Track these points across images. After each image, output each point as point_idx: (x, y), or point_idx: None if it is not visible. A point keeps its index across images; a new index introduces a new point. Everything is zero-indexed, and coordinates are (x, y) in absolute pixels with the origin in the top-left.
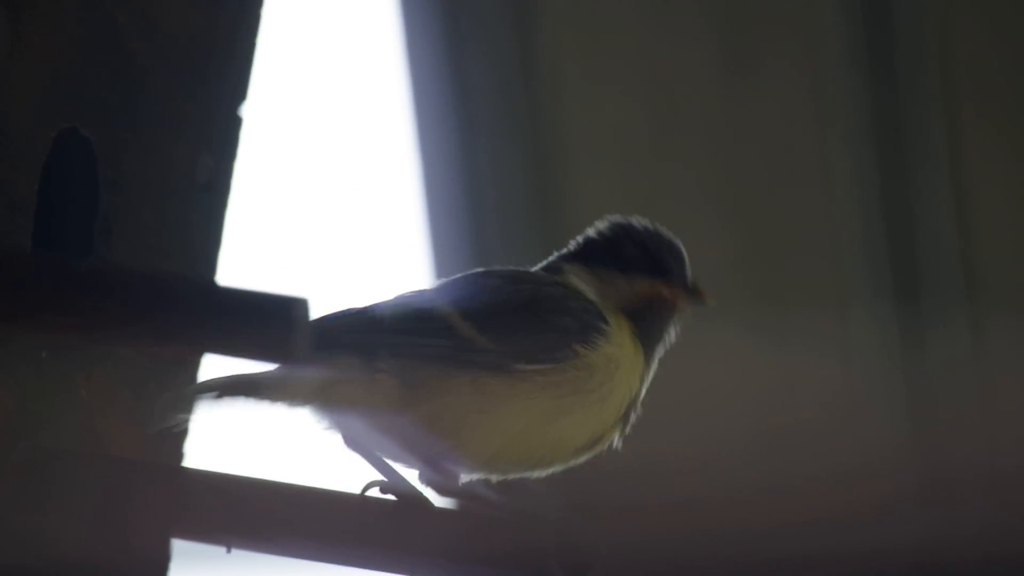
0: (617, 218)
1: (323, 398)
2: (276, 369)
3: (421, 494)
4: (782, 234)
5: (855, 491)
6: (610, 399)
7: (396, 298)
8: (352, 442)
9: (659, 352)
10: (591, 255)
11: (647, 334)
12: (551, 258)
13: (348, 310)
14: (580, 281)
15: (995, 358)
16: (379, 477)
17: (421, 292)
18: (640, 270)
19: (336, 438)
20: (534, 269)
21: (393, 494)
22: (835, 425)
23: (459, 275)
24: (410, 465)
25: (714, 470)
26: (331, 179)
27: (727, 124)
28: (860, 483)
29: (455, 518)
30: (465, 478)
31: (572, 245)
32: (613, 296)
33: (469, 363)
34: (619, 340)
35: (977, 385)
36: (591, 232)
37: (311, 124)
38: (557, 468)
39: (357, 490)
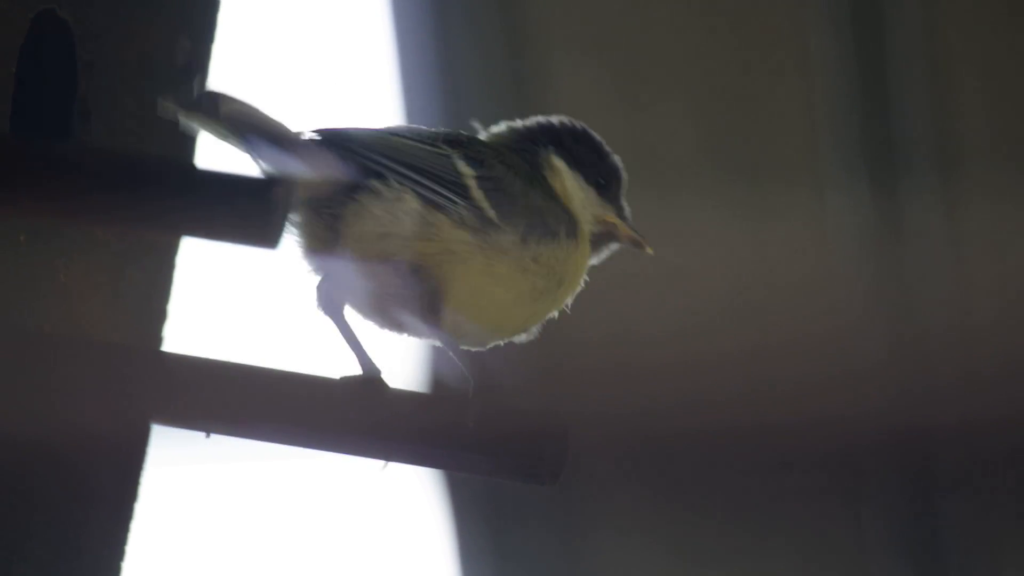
0: (581, 124)
1: (322, 197)
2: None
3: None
4: (758, 111)
5: (828, 360)
6: (572, 290)
7: (408, 131)
8: (328, 301)
9: None
10: (572, 154)
11: (593, 255)
12: (527, 125)
13: (368, 130)
14: (567, 184)
15: (968, 230)
16: (348, 350)
17: (431, 134)
18: (612, 200)
19: (311, 296)
20: (512, 125)
21: (366, 377)
22: (810, 297)
23: (454, 131)
24: (390, 312)
25: (689, 340)
26: (308, 58)
27: (703, 3)
28: (833, 351)
29: (427, 401)
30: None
31: (542, 122)
32: (589, 214)
33: (480, 228)
34: (584, 252)
35: (951, 257)
36: (562, 122)
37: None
38: (509, 339)
39: (333, 374)
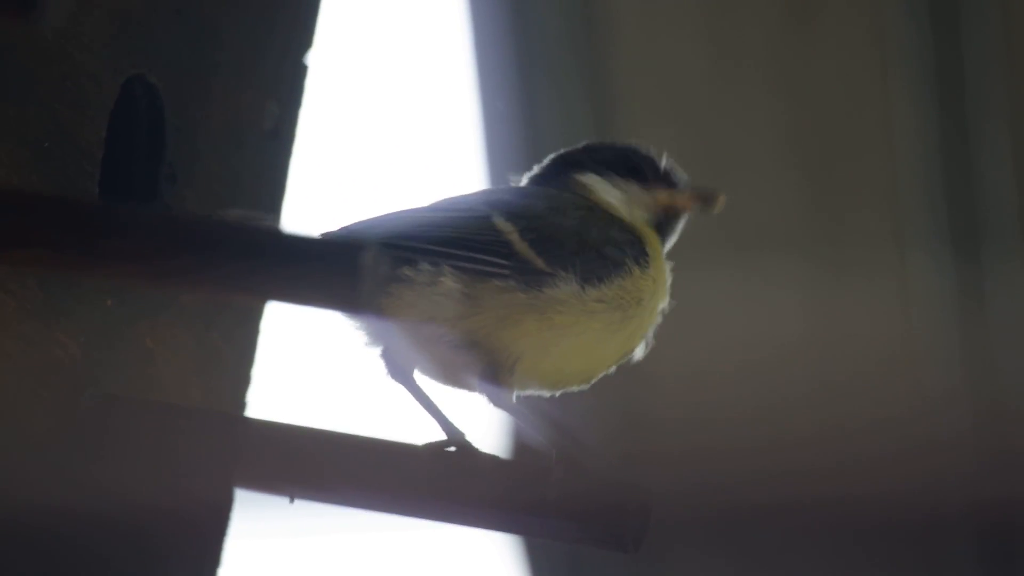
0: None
1: (382, 303)
2: None
3: (465, 438)
4: (842, 180)
5: (911, 432)
6: (649, 317)
7: (445, 203)
8: (395, 369)
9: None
10: (601, 164)
11: (666, 242)
12: (544, 167)
13: (398, 214)
14: (605, 194)
15: None
16: (426, 415)
17: (468, 199)
18: (656, 178)
19: (379, 365)
20: (532, 175)
21: (449, 442)
22: (892, 368)
23: (496, 189)
24: (458, 380)
25: (771, 414)
26: (393, 126)
27: (787, 70)
28: (915, 423)
29: (509, 468)
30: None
31: (554, 157)
32: (639, 208)
33: (530, 284)
34: (657, 260)
35: None
36: (568, 149)
37: (373, 73)
38: (587, 384)
39: (418, 441)
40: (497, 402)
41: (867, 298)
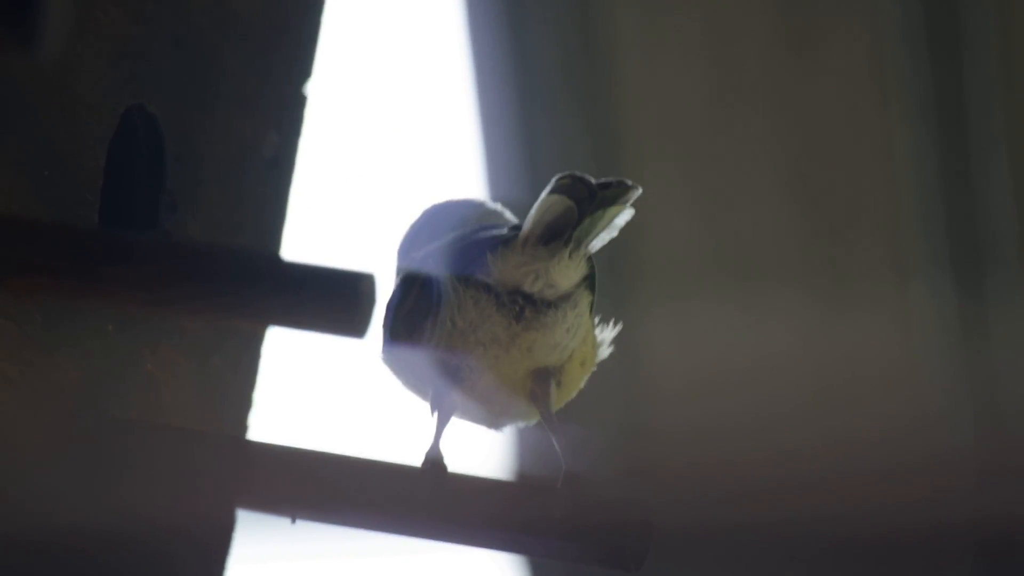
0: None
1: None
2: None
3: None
4: (842, 209)
5: (911, 453)
6: None
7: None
8: (444, 404)
9: None
10: None
11: None
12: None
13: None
14: None
15: None
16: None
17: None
18: None
19: (426, 402)
20: None
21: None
22: (893, 391)
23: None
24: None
25: (772, 433)
26: (393, 154)
27: (788, 100)
28: (916, 445)
29: (510, 488)
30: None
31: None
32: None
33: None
34: None
35: None
36: None
37: (373, 101)
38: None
39: (419, 462)
40: (548, 421)
41: (868, 325)
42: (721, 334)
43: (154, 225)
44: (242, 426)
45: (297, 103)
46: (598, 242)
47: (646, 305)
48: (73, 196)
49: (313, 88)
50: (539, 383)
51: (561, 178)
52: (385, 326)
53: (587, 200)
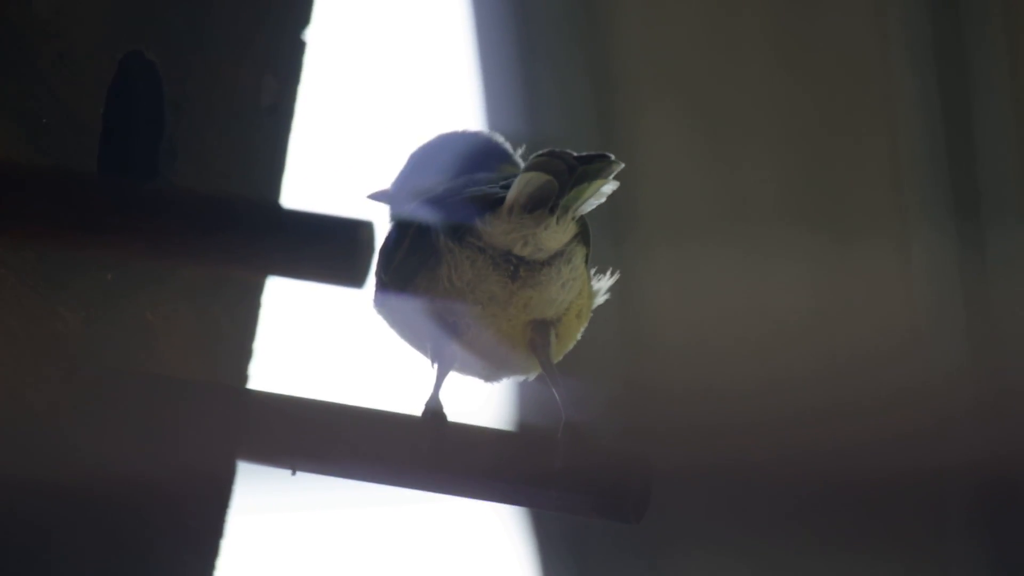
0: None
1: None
2: None
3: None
4: (842, 162)
5: (915, 410)
6: None
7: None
8: (444, 356)
9: None
10: None
11: None
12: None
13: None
14: None
15: None
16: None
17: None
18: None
19: (425, 351)
20: None
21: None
22: (895, 347)
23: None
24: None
25: (775, 390)
26: (393, 101)
27: (789, 45)
28: (919, 402)
29: (512, 439)
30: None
31: None
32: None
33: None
34: None
35: None
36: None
37: (372, 47)
38: None
39: (419, 412)
40: (548, 370)
41: (870, 271)
42: (721, 281)
43: (153, 173)
44: (242, 376)
45: (296, 50)
46: (586, 207)
47: (646, 255)
48: (72, 143)
49: (312, 34)
50: (538, 333)
51: (538, 155)
52: (378, 273)
53: (567, 173)
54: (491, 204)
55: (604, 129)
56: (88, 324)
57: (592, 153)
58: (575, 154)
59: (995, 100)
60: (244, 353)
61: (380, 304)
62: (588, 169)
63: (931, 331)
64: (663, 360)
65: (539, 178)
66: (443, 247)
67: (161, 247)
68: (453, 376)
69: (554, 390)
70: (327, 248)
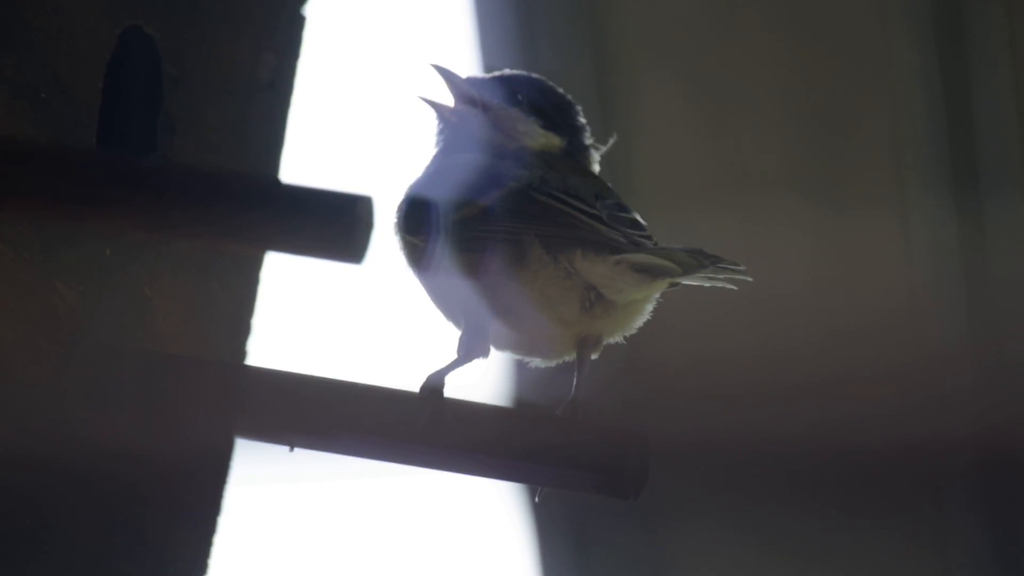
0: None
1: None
2: None
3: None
4: (841, 131)
5: (913, 384)
6: None
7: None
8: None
9: None
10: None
11: None
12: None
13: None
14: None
15: None
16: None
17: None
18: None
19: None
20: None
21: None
22: (894, 318)
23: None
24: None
25: (773, 365)
26: (391, 76)
27: (788, 12)
28: (918, 375)
29: (510, 415)
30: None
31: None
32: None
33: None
34: None
35: None
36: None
37: (371, 22)
38: None
39: (417, 388)
40: (582, 362)
41: (869, 242)
42: (720, 252)
43: (152, 148)
44: (239, 351)
45: (295, 25)
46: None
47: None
48: (70, 118)
49: (311, 9)
50: (589, 339)
51: (689, 252)
52: (433, 216)
53: (696, 269)
54: (597, 245)
55: (603, 100)
56: (85, 298)
57: (729, 263)
58: (719, 260)
59: (994, 72)
60: (242, 328)
61: (434, 271)
62: (716, 269)
63: (929, 302)
64: (660, 332)
65: (672, 270)
66: (535, 254)
67: (159, 222)
68: (468, 369)
69: (576, 374)
70: (325, 223)
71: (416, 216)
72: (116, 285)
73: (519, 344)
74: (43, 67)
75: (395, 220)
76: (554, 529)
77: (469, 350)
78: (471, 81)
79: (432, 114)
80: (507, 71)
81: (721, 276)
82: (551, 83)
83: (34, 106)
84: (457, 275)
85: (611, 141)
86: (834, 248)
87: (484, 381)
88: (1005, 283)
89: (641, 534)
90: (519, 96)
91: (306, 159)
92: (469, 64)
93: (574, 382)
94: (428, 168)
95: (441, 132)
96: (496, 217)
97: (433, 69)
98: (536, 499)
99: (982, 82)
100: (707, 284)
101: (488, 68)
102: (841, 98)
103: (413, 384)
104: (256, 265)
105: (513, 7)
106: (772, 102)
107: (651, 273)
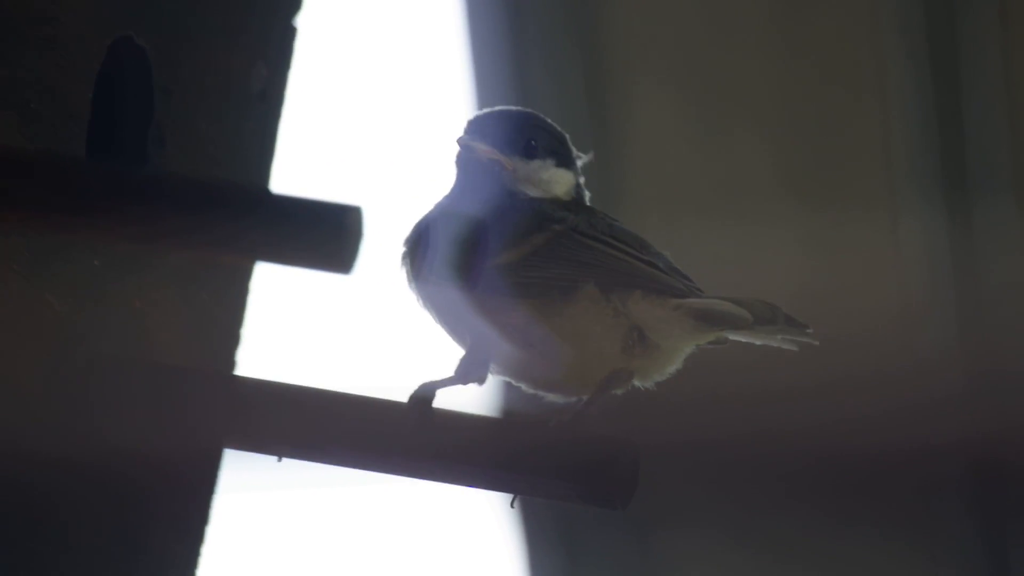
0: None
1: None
2: None
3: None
4: (833, 140)
5: (903, 390)
6: None
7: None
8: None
9: None
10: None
11: None
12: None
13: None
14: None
15: None
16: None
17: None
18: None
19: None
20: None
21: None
22: (885, 325)
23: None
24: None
25: (762, 370)
26: (383, 86)
27: (782, 25)
28: (908, 381)
29: (498, 425)
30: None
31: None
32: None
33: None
34: None
35: None
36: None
37: (363, 34)
38: None
39: (406, 399)
40: (599, 395)
41: (860, 247)
42: (712, 262)
43: (142, 158)
44: (229, 362)
45: (286, 36)
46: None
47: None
48: (61, 129)
49: (303, 21)
50: (618, 375)
51: (770, 306)
52: (467, 280)
53: (765, 322)
54: (658, 287)
55: (596, 105)
56: (75, 310)
57: (800, 323)
58: (792, 320)
59: (985, 80)
60: (232, 339)
61: (453, 308)
62: (785, 326)
63: (921, 308)
64: None
65: (744, 319)
66: (586, 293)
67: (149, 232)
68: (462, 390)
69: (591, 394)
70: (315, 234)
71: (450, 261)
72: (106, 296)
73: (543, 380)
74: (33, 78)
75: (412, 257)
76: (544, 537)
77: (467, 373)
78: (483, 136)
79: (455, 156)
80: (509, 110)
81: (779, 336)
82: (544, 116)
83: (24, 117)
84: (483, 313)
85: (588, 156)
86: (826, 255)
87: (472, 392)
88: (996, 290)
89: (632, 541)
90: (532, 142)
91: (297, 169)
92: (460, 71)
93: (585, 399)
94: (453, 211)
95: (466, 176)
96: (544, 260)
97: (456, 144)
98: (511, 505)
99: (973, 91)
100: (759, 342)
101: (479, 75)
102: (833, 107)
103: (402, 394)
104: (246, 276)
105: (505, 21)
106: (764, 111)
107: (710, 321)
